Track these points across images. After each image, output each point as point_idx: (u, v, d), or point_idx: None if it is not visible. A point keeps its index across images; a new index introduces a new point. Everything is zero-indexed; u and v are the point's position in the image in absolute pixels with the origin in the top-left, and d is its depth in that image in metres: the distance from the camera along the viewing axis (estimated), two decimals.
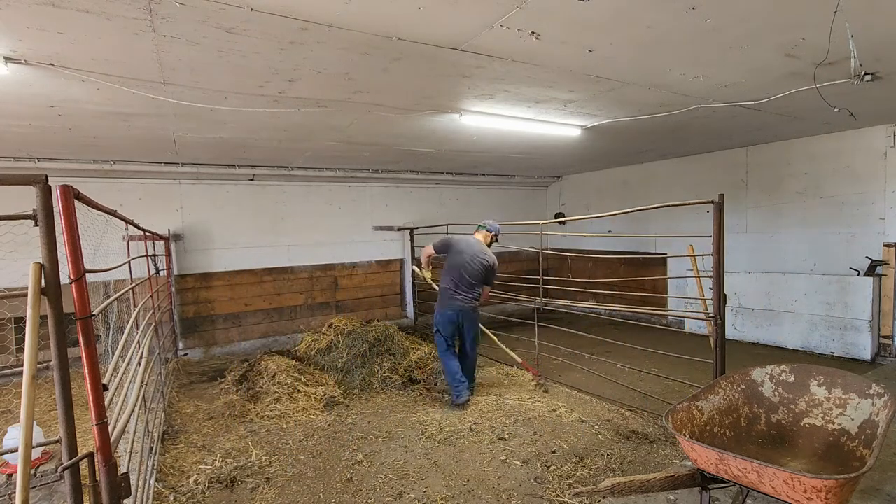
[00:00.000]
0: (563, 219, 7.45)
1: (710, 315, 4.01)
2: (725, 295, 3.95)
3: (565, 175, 10.31)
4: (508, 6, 2.45)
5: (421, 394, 5.25)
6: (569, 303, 5.70)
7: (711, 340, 4.05)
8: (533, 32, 2.76)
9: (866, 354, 5.82)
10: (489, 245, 5.21)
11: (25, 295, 1.55)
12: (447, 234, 5.36)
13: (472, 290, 4.99)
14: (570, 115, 4.76)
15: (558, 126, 5.18)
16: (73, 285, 1.66)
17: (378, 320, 7.41)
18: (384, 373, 5.54)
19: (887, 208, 5.86)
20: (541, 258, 6.29)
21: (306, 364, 5.85)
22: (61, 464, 1.63)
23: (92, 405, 1.74)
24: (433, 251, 5.26)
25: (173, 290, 7.01)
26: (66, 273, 1.65)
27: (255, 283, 7.62)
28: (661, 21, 2.68)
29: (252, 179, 7.47)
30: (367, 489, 3.36)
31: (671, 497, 3.10)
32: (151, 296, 4.70)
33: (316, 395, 4.98)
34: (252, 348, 7.41)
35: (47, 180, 1.57)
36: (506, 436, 4.12)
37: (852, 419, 2.62)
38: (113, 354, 2.81)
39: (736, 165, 7.35)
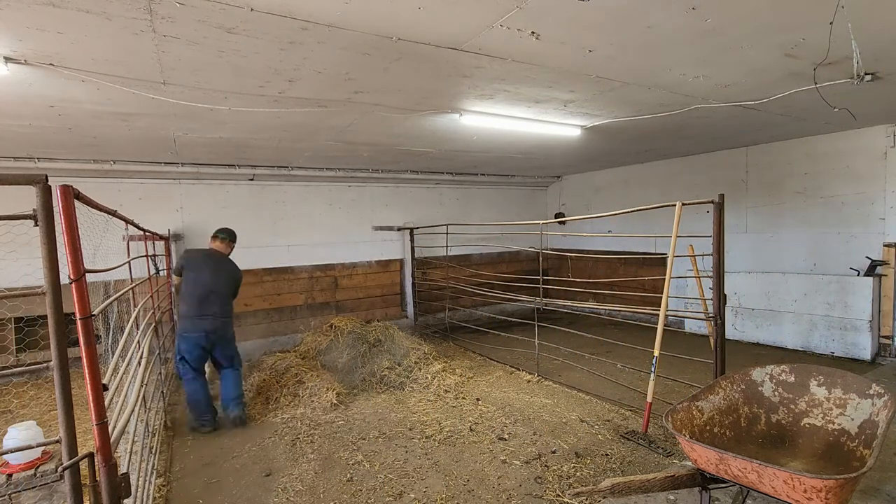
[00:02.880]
0: (563, 219, 7.44)
1: (710, 315, 4.01)
2: (725, 295, 3.95)
3: (565, 175, 10.30)
4: (508, 6, 2.45)
5: (421, 393, 5.25)
6: (569, 303, 5.69)
7: (711, 340, 4.05)
8: (533, 32, 2.76)
9: (866, 354, 5.82)
10: (229, 254, 4.78)
11: (25, 295, 1.55)
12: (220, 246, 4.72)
13: (222, 307, 4.52)
14: (570, 115, 4.76)
15: (558, 126, 5.17)
16: (73, 285, 1.66)
17: (378, 320, 7.42)
18: (384, 372, 5.54)
19: (887, 208, 5.86)
20: (541, 258, 6.30)
21: (307, 364, 5.84)
22: (61, 464, 1.63)
23: (92, 405, 1.74)
24: (178, 278, 4.61)
25: (173, 290, 7.00)
26: (65, 273, 1.64)
27: (255, 283, 7.61)
28: (661, 21, 2.68)
29: (252, 179, 7.47)
30: (367, 489, 3.36)
31: (671, 497, 3.10)
32: (151, 296, 4.70)
33: (318, 395, 4.98)
34: (252, 348, 7.40)
35: (47, 180, 1.57)
36: (506, 436, 4.12)
37: (852, 419, 2.62)
38: (113, 354, 2.81)
39: (736, 165, 7.35)
